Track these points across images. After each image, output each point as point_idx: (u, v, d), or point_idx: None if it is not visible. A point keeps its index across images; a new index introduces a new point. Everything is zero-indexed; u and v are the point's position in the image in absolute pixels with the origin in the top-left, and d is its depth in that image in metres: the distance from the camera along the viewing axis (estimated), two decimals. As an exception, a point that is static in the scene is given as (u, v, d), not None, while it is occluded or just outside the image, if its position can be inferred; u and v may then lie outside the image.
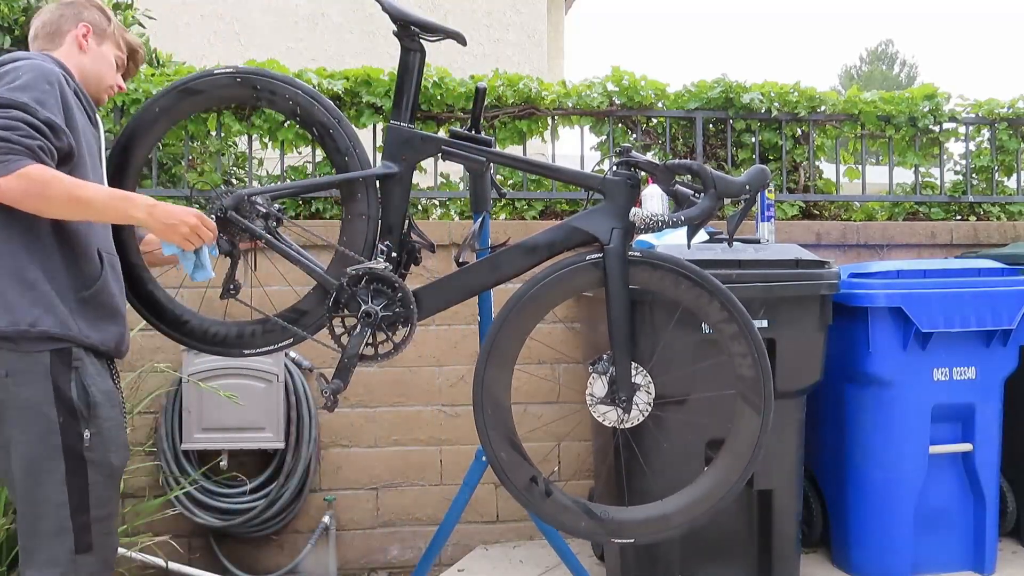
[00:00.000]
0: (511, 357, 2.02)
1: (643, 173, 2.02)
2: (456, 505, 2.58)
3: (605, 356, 2.01)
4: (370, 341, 2.01)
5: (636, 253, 1.98)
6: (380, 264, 1.98)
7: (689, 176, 1.99)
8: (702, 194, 1.96)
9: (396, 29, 2.00)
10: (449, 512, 2.59)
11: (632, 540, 2.08)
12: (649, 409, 2.02)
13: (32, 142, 1.68)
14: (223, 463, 3.15)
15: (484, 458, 2.56)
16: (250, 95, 2.02)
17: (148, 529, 2.96)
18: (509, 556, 3.32)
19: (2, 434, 1.74)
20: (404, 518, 3.42)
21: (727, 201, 2.03)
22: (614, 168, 2.00)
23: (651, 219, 1.94)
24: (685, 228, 2.00)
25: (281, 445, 3.17)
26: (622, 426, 2.02)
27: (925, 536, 2.96)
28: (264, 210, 1.98)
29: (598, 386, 2.01)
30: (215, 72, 2.02)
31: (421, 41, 2.02)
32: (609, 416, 2.02)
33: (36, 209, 1.71)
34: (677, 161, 1.97)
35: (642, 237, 2.69)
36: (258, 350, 2.08)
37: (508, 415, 2.03)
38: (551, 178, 2.21)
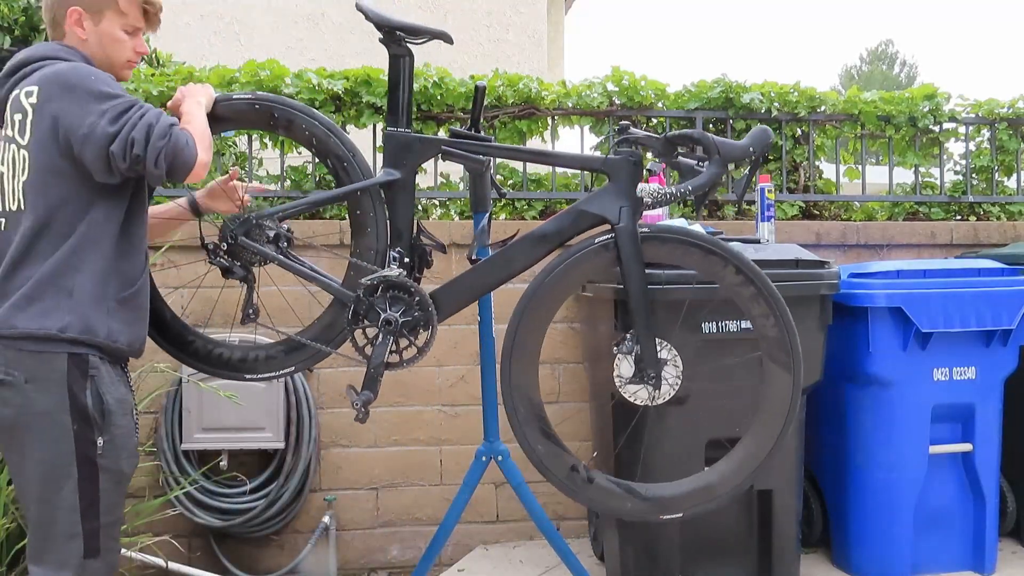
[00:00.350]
0: (535, 351, 2.03)
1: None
2: (456, 505, 2.58)
3: (628, 335, 2.00)
4: (394, 348, 2.02)
5: (644, 229, 1.98)
6: (394, 271, 1.98)
7: (690, 148, 1.99)
8: (706, 163, 1.96)
9: (382, 36, 2.01)
10: (449, 512, 2.58)
11: (680, 514, 2.08)
12: (679, 382, 2.01)
13: (167, 117, 1.74)
14: (223, 463, 3.15)
15: (484, 457, 2.57)
16: (267, 122, 2.01)
17: (148, 529, 2.96)
18: (509, 556, 3.31)
19: (17, 437, 1.76)
20: (404, 518, 3.42)
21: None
22: (615, 148, 2.00)
23: (659, 193, 1.94)
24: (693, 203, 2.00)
25: (281, 445, 3.17)
26: (654, 403, 2.02)
27: (925, 536, 2.96)
28: (274, 232, 1.99)
29: (625, 366, 2.00)
30: (233, 97, 2.02)
31: (408, 45, 2.03)
32: (640, 395, 2.01)
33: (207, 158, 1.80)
34: (677, 132, 1.97)
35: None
36: (259, 376, 2.09)
37: (540, 408, 2.03)
38: (551, 164, 2.23)
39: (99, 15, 1.84)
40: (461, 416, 3.41)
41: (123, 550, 2.69)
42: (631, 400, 2.02)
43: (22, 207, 1.75)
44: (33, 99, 1.74)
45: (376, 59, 4.24)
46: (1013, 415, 3.10)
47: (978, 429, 2.96)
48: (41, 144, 1.73)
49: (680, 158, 1.98)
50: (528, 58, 8.11)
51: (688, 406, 2.57)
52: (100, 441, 1.76)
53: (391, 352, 2.02)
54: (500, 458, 2.55)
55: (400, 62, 2.03)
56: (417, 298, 1.99)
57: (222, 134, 1.93)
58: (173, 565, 2.98)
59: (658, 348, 2.00)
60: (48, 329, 1.71)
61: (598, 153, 3.96)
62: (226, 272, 1.99)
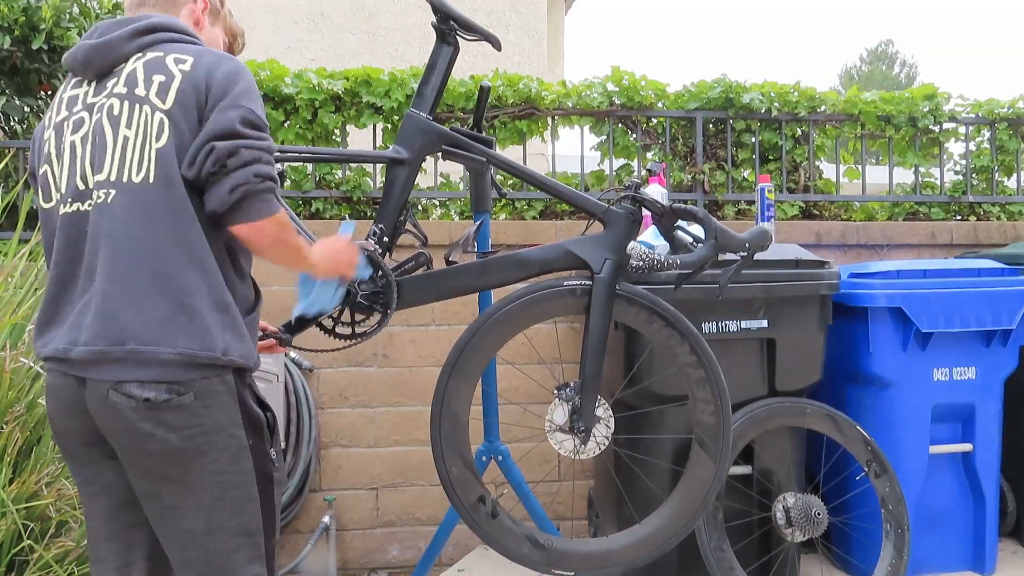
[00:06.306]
0: (475, 372, 1.99)
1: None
2: (456, 505, 2.58)
3: (572, 384, 1.98)
4: (334, 316, 1.98)
5: (618, 287, 1.96)
6: (371, 245, 1.95)
7: (691, 223, 1.96)
8: (700, 245, 1.93)
9: (435, 20, 2.00)
10: (449, 512, 2.58)
11: (572, 574, 2.06)
12: (606, 443, 2.00)
13: (274, 183, 1.55)
14: (223, 463, 3.14)
15: (484, 457, 2.57)
16: None
17: (148, 529, 2.96)
18: (509, 556, 3.31)
19: (183, 464, 1.50)
20: (404, 518, 3.42)
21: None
22: (619, 200, 1.97)
23: (648, 256, 1.88)
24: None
25: (281, 445, 3.16)
26: (576, 456, 2.00)
27: (925, 536, 2.96)
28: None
29: (559, 413, 1.98)
30: None
31: (457, 37, 2.02)
32: (565, 445, 1.99)
33: (269, 256, 1.59)
34: (684, 206, 1.94)
35: (641, 238, 2.69)
36: None
37: (464, 431, 1.99)
38: (553, 196, 2.20)
39: (216, 18, 1.81)
40: (461, 416, 3.41)
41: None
42: (555, 448, 1.99)
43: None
44: None
45: (376, 59, 4.25)
46: (1013, 415, 3.10)
47: (978, 429, 2.96)
48: None
49: (679, 232, 1.96)
50: (528, 58, 8.11)
51: (687, 408, 2.57)
52: (272, 453, 1.62)
53: (329, 317, 1.96)
54: (500, 458, 2.55)
55: (444, 51, 2.02)
56: (383, 280, 1.95)
57: None
58: (173, 565, 2.98)
59: (596, 405, 1.97)
60: (211, 351, 1.50)
61: (600, 200, 3.95)
62: None
